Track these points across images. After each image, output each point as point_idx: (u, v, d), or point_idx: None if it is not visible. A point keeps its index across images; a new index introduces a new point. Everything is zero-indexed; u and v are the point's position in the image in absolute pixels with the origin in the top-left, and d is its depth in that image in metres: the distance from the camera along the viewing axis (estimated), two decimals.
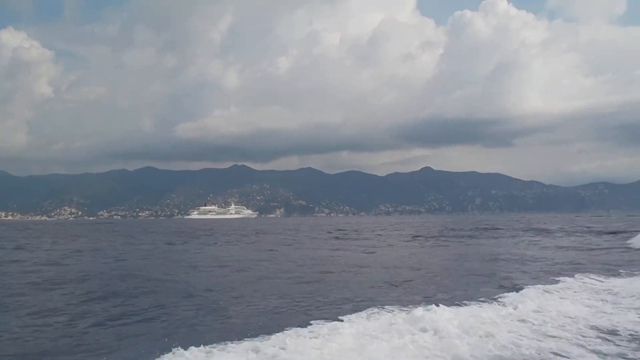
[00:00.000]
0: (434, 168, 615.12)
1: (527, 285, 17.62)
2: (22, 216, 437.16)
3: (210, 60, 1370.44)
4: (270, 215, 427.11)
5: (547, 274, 21.19)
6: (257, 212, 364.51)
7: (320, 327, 11.63)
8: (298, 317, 13.51)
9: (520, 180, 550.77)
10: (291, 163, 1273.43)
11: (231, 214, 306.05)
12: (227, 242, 50.84)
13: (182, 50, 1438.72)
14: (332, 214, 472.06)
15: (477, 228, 72.50)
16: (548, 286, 17.37)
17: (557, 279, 19.26)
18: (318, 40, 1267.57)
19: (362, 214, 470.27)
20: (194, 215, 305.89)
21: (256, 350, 9.86)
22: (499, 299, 15.18)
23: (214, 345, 10.23)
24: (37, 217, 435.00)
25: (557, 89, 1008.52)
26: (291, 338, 10.45)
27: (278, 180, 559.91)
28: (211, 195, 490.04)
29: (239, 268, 25.81)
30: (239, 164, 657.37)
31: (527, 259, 28.64)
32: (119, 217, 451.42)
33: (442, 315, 12.35)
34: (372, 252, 35.40)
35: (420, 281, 20.56)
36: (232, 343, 10.44)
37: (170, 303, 15.96)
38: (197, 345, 9.95)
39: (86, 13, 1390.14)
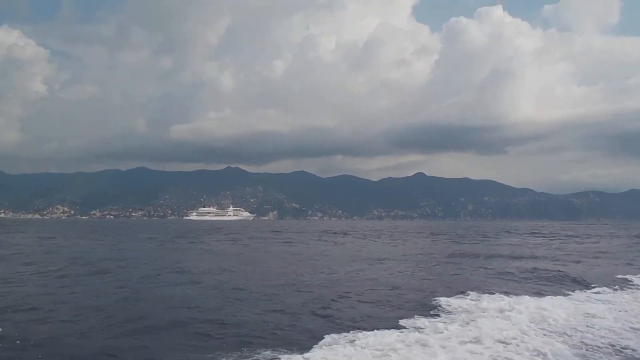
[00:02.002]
0: (427, 174, 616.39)
1: None
2: (14, 214, 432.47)
3: (206, 62, 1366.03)
4: (264, 218, 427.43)
5: None
6: (255, 215, 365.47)
7: None
8: None
9: (512, 187, 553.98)
10: (285, 166, 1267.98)
11: (229, 215, 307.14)
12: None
13: (177, 51, 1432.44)
14: (325, 218, 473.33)
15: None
16: None
17: None
18: (314, 45, 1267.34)
19: (355, 217, 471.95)
20: (193, 216, 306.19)
21: None
22: None
23: None
24: (29, 216, 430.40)
25: (550, 97, 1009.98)
26: None
27: (271, 183, 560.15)
28: (204, 196, 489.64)
29: None
30: (233, 166, 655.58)
31: None
32: (112, 216, 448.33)
33: None
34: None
35: None
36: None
37: None
38: None
39: (82, 13, 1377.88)
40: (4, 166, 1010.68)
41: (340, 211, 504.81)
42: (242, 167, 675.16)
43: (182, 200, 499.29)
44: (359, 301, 17.39)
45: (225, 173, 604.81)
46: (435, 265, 28.72)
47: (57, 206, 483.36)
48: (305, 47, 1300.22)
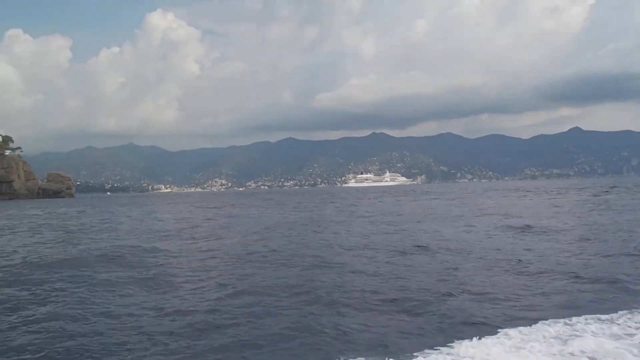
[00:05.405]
0: (583, 128, 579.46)
1: None
2: (178, 188, 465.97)
3: (349, 29, 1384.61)
4: (413, 182, 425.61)
5: None
6: (411, 180, 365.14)
7: None
8: None
9: None
10: (429, 128, 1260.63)
11: (386, 181, 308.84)
12: None
13: (321, 21, 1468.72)
14: (474, 180, 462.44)
15: None
16: None
17: None
18: (457, 0, 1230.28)
19: (507, 178, 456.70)
20: (352, 183, 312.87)
21: None
22: None
23: None
24: (191, 189, 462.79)
25: None
26: None
27: (417, 147, 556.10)
28: (352, 164, 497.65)
29: None
30: (377, 131, 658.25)
31: None
32: (266, 187, 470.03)
33: None
34: None
35: None
36: None
37: None
38: None
39: None
40: (165, 144, 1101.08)
41: (490, 172, 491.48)
42: (387, 131, 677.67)
43: (331, 168, 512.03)
44: None
45: (370, 139, 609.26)
46: None
47: (215, 179, 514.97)
48: (448, 3, 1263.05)
